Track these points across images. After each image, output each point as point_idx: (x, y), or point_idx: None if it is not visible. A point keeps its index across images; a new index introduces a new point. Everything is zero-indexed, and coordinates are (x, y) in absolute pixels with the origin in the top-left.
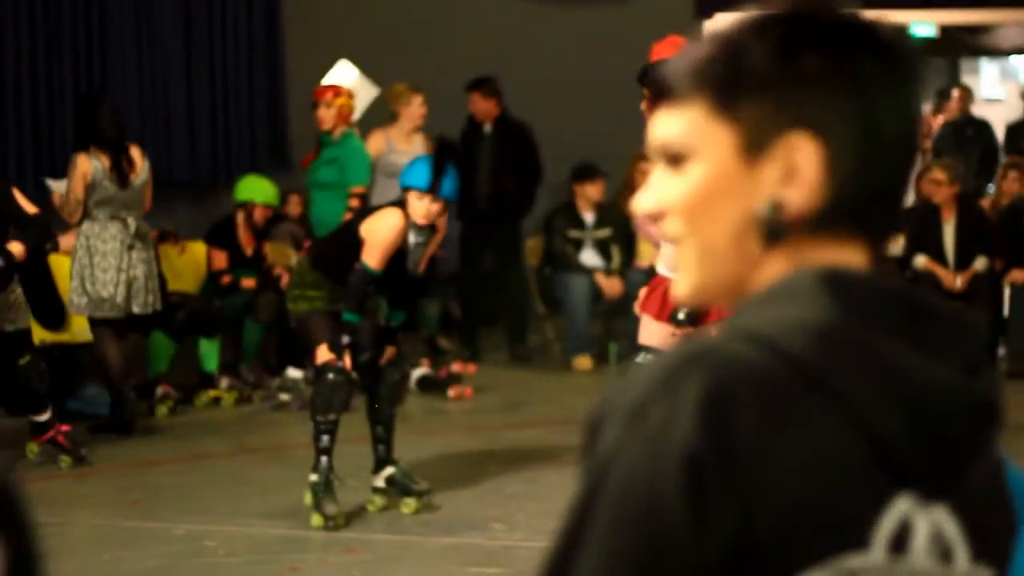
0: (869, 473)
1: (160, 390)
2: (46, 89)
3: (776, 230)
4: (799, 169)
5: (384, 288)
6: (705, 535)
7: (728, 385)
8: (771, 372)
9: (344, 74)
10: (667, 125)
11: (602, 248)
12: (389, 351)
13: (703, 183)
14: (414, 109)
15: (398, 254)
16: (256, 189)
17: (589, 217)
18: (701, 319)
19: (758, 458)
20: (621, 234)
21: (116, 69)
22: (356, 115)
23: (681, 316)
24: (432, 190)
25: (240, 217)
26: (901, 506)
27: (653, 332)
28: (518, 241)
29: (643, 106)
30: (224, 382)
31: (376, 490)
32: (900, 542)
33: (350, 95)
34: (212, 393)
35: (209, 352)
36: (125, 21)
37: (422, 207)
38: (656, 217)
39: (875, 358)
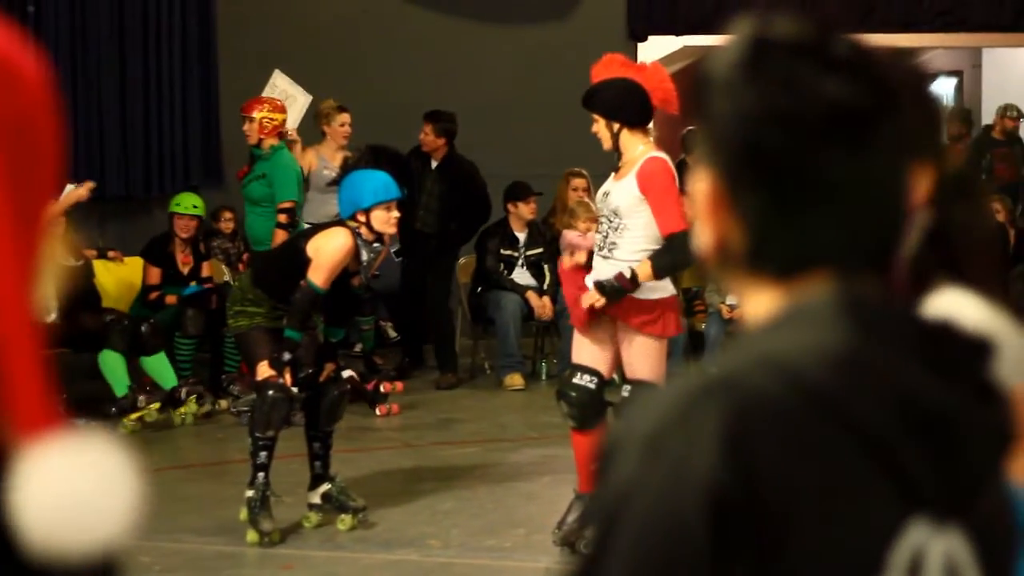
0: (886, 500)
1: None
2: None
3: (713, 262)
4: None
5: (325, 306)
6: (729, 568)
7: (747, 418)
8: (789, 403)
9: (278, 83)
10: None
11: (534, 267)
12: (329, 367)
13: None
14: (336, 128)
15: (341, 272)
16: (178, 201)
17: (521, 236)
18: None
19: (780, 491)
20: (553, 253)
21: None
22: (291, 123)
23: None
24: (395, 196)
25: (173, 231)
26: (916, 532)
27: (585, 350)
28: (452, 268)
29: (594, 128)
30: (183, 392)
31: (312, 506)
32: (915, 568)
33: (273, 108)
34: (182, 410)
35: (158, 368)
36: (60, 36)
37: (390, 216)
38: None
39: (893, 384)
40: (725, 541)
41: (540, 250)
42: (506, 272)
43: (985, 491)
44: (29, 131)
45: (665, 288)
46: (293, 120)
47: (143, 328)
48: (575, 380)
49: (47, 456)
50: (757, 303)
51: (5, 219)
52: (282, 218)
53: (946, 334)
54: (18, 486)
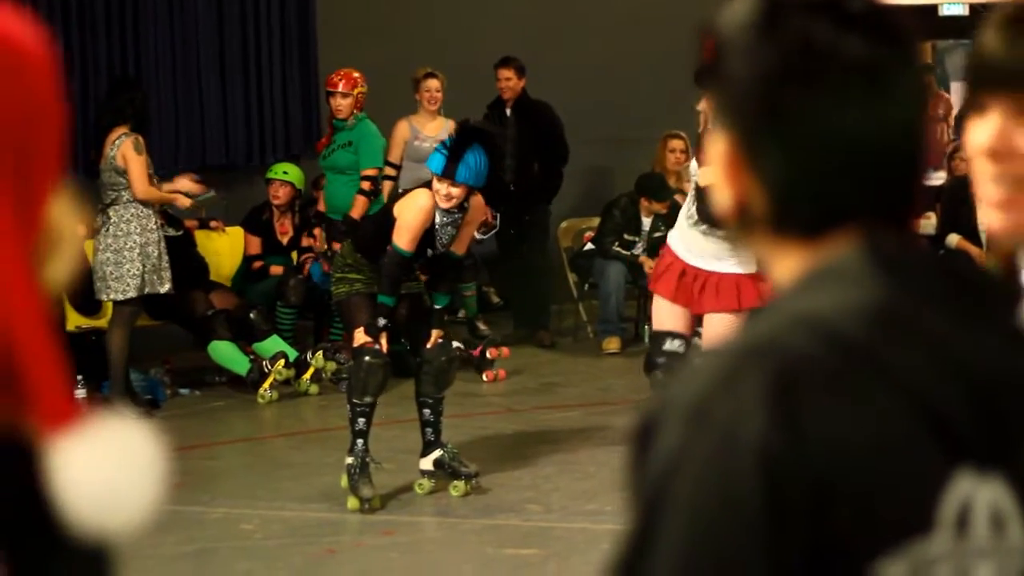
0: (932, 452)
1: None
2: (80, 75)
3: (735, 225)
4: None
5: (428, 270)
6: (784, 530)
7: (790, 379)
8: (829, 361)
9: None
10: None
11: (655, 245)
12: (435, 334)
13: None
14: (423, 95)
15: (431, 237)
16: (276, 169)
17: (647, 223)
18: None
19: (830, 450)
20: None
21: (149, 55)
22: None
23: None
24: (446, 174)
25: (270, 199)
26: (962, 484)
27: (666, 314)
28: (547, 225)
29: (701, 106)
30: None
31: (424, 473)
32: (962, 520)
33: (364, 81)
34: (305, 377)
35: (275, 350)
36: (158, 6)
37: (443, 190)
38: None
39: (929, 334)
40: (779, 502)
41: (662, 233)
42: (618, 246)
43: None
44: (34, 118)
45: (747, 264)
46: None
47: (252, 315)
48: (666, 347)
49: (81, 442)
50: (784, 265)
51: (7, 215)
52: (365, 185)
53: (976, 282)
54: (57, 470)
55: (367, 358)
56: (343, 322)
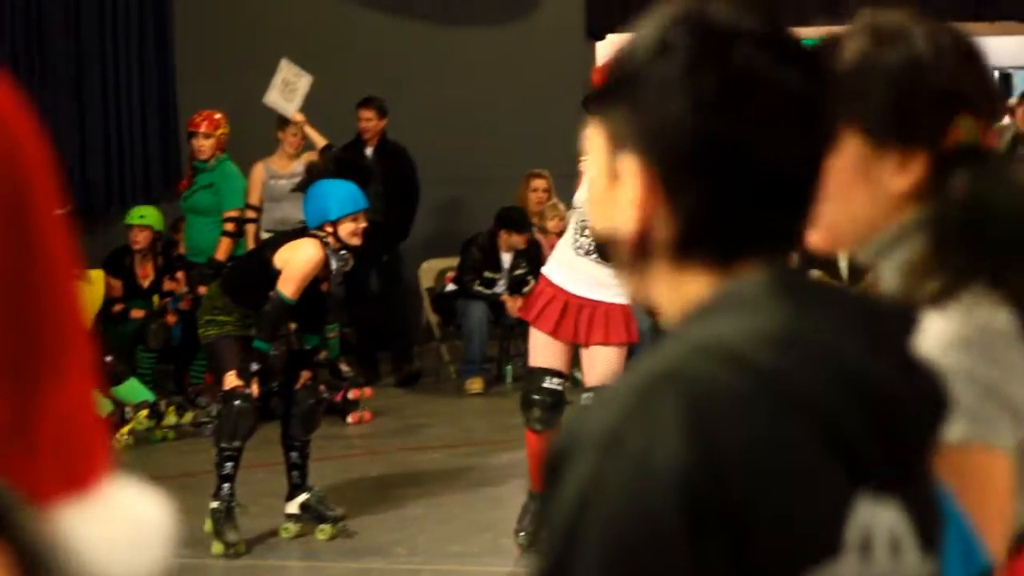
0: (838, 477)
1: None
2: None
3: (631, 251)
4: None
5: (298, 312)
6: (706, 556)
7: (703, 405)
8: (739, 387)
9: (287, 75)
10: None
11: (517, 283)
12: (304, 376)
13: None
14: (288, 136)
15: (310, 281)
16: (133, 215)
17: (507, 258)
18: None
19: (743, 475)
20: (535, 268)
21: None
22: (295, 108)
23: None
24: (362, 206)
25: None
26: (864, 507)
27: (544, 350)
28: (399, 264)
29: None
30: (163, 404)
31: (290, 517)
32: (865, 544)
33: (225, 123)
34: (165, 423)
35: (132, 393)
36: (16, 50)
37: (356, 227)
38: None
39: (833, 360)
40: (699, 528)
41: (525, 270)
42: (480, 284)
43: (920, 463)
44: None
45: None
46: (297, 105)
47: (106, 360)
48: (545, 384)
49: (100, 499)
50: (682, 292)
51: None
52: (229, 227)
53: (873, 308)
54: (76, 531)
55: (237, 402)
56: (212, 364)
